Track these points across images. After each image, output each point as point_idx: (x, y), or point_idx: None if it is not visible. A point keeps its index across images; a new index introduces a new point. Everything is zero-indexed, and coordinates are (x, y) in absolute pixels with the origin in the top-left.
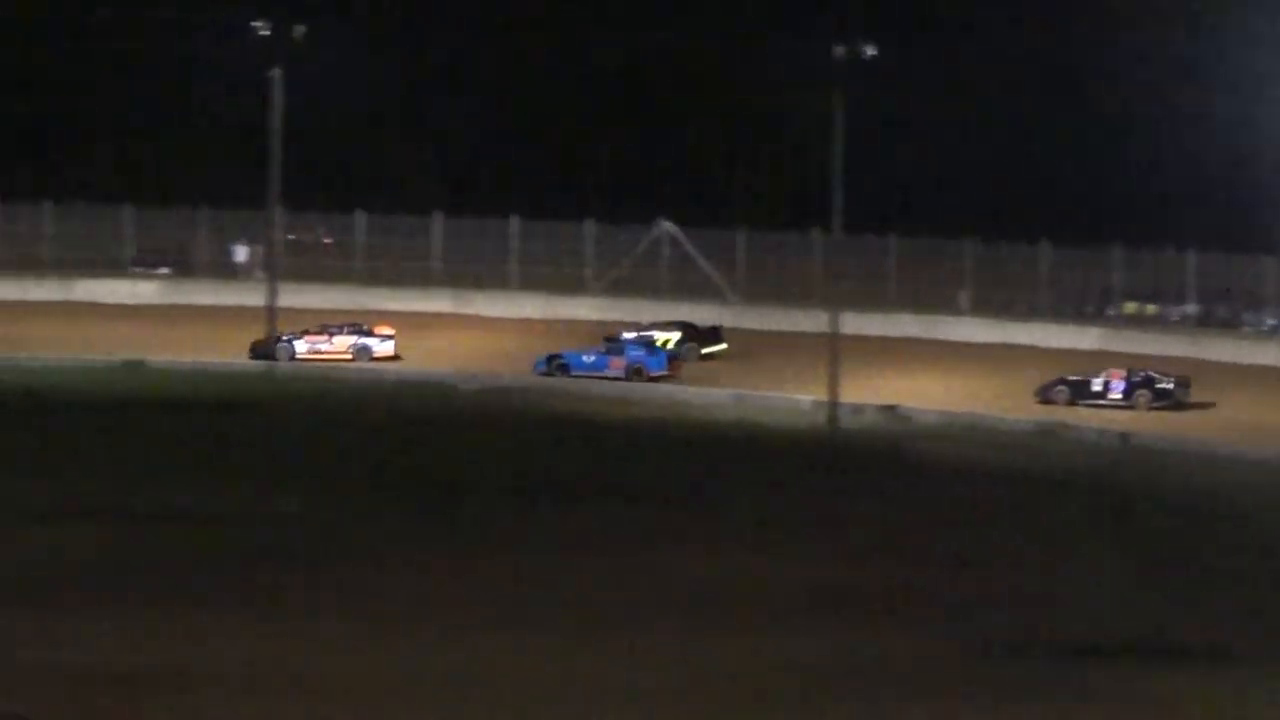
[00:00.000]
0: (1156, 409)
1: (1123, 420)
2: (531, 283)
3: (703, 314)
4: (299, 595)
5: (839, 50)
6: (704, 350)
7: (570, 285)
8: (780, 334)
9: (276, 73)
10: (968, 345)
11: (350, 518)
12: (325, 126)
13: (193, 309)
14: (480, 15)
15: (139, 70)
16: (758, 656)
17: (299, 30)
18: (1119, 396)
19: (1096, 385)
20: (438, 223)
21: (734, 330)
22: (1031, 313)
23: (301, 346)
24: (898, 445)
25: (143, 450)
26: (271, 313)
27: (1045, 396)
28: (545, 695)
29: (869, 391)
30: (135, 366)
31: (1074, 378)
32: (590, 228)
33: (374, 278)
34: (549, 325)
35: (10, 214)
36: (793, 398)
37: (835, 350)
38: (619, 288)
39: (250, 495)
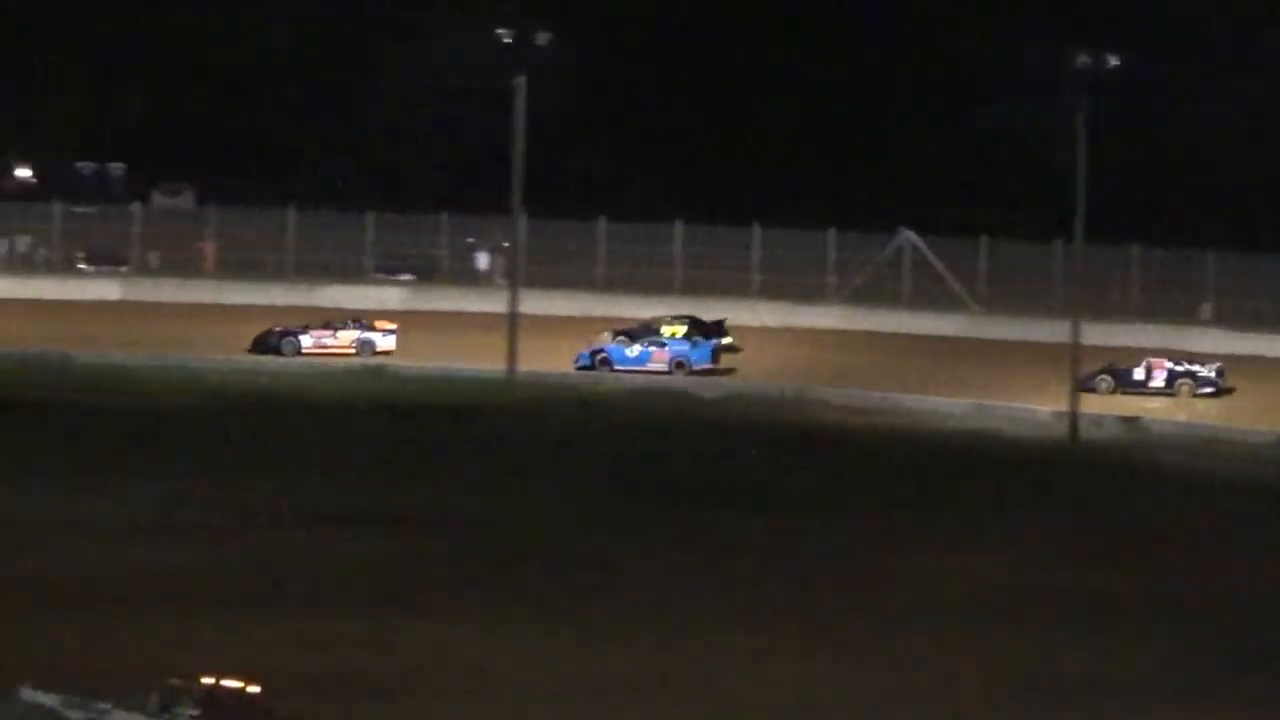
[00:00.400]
0: (1200, 396)
1: (1168, 408)
2: (771, 291)
3: (945, 325)
4: (559, 598)
5: (1082, 59)
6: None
7: (811, 294)
8: (1021, 344)
9: (520, 80)
10: (1210, 357)
11: (599, 523)
12: (568, 132)
13: (435, 315)
14: (722, 24)
15: (383, 78)
16: (1016, 662)
17: (543, 37)
18: (1161, 385)
19: (1139, 374)
20: (678, 230)
21: (976, 340)
22: (1277, 324)
23: (307, 341)
24: (1138, 457)
25: (388, 454)
26: (513, 319)
27: (1088, 385)
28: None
29: (1110, 403)
30: (378, 372)
31: (1116, 367)
32: (832, 236)
33: (614, 285)
34: (789, 334)
35: (255, 219)
36: (1033, 408)
37: (1076, 360)
38: (860, 297)
39: (498, 502)
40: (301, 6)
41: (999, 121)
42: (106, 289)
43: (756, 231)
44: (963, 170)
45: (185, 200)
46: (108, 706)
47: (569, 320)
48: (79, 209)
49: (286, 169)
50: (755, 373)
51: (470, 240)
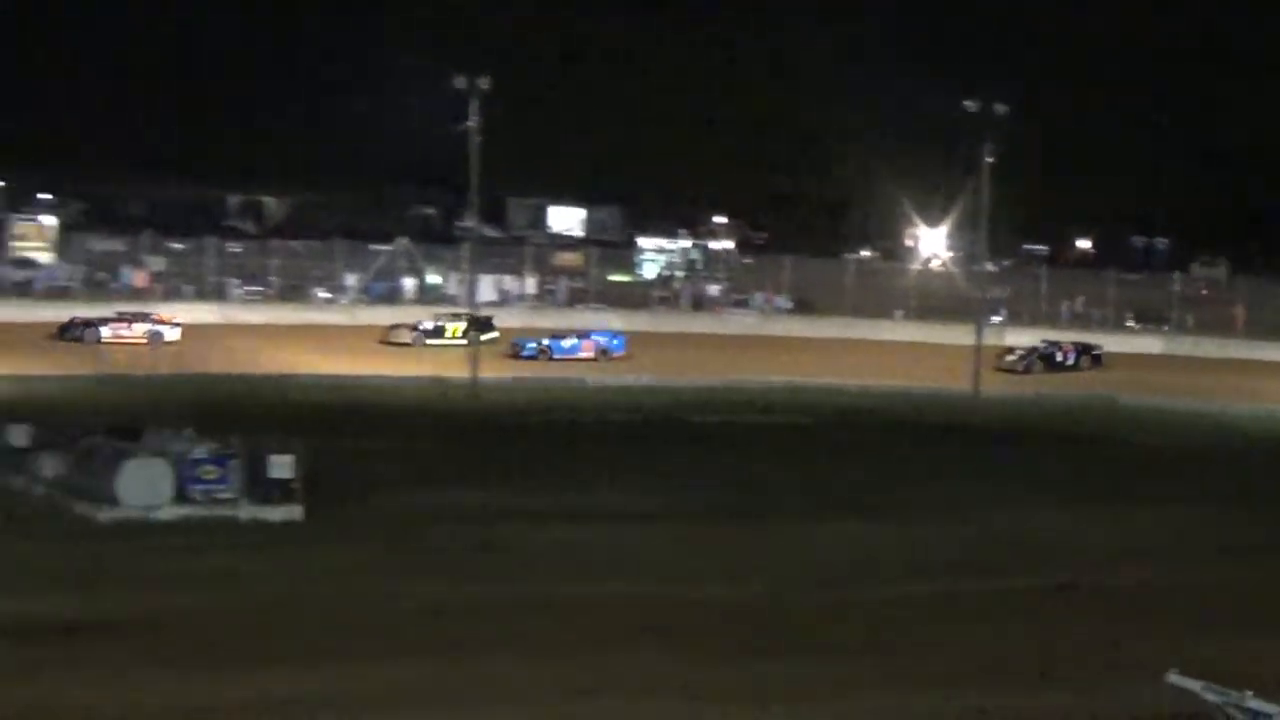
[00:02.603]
0: (1095, 370)
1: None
2: None
3: None
4: None
5: None
6: (482, 336)
7: None
8: None
9: None
10: None
11: None
12: None
13: None
14: None
15: None
16: None
17: None
18: (1072, 363)
19: (1060, 356)
20: None
21: None
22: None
23: (106, 332)
24: None
25: None
26: None
27: (1025, 366)
28: None
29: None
30: None
31: (1042, 351)
32: None
33: None
34: None
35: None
36: None
37: None
38: None
39: None
40: None
41: None
42: (1149, 344)
43: None
44: None
45: (1219, 271)
46: (1249, 693)
47: None
48: (1128, 276)
49: None
50: None
51: None
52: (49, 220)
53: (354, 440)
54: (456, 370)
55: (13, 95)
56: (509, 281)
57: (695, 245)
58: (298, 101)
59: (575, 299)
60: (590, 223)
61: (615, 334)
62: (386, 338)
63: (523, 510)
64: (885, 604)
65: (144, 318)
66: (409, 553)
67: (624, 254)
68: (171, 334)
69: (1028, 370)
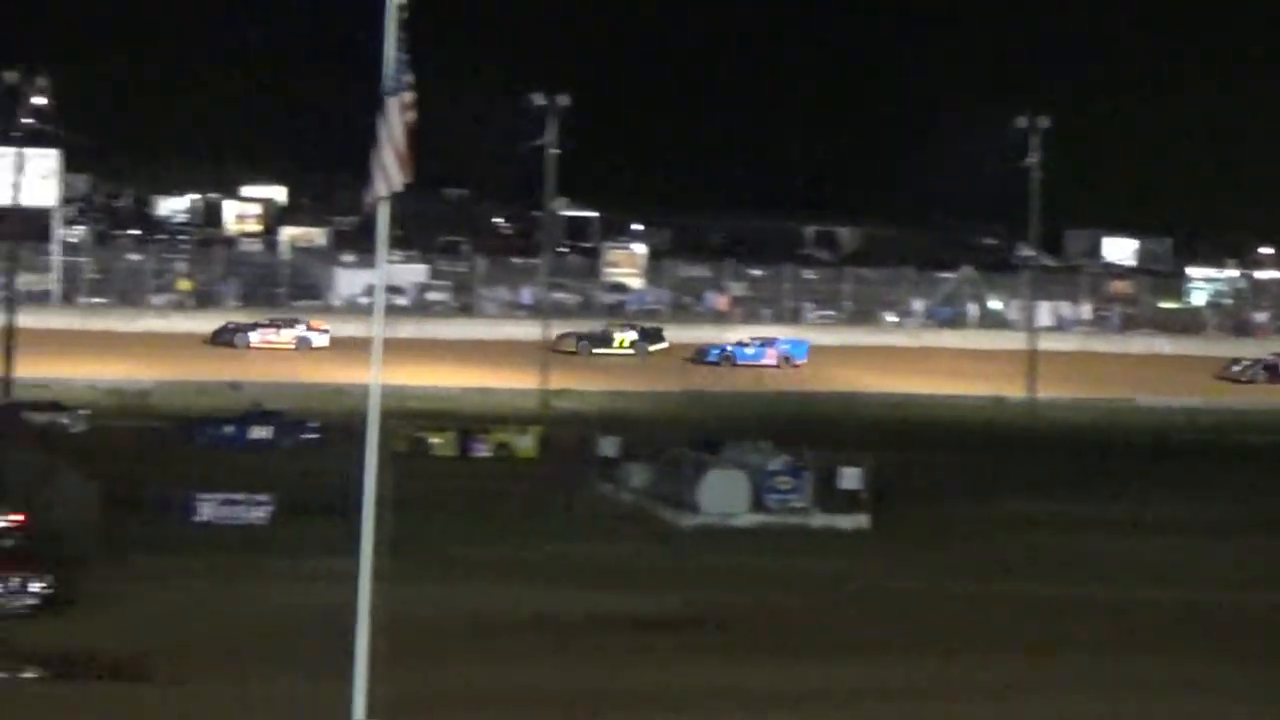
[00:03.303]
0: None
1: None
2: None
3: None
4: None
5: None
6: (650, 347)
7: None
8: None
9: None
10: None
11: None
12: None
13: None
14: None
15: None
16: None
17: None
18: None
19: None
20: None
21: None
22: None
23: (255, 337)
24: None
25: None
26: None
27: (1249, 377)
28: None
29: None
30: None
31: (1267, 363)
32: None
33: None
34: None
35: None
36: None
37: None
38: None
39: None
40: None
41: None
42: None
43: None
44: None
45: None
46: None
47: None
48: None
49: None
50: None
51: None
52: (639, 248)
53: (917, 454)
54: (1014, 390)
55: (648, 140)
56: (1064, 308)
57: (1242, 275)
58: (870, 141)
59: (1128, 325)
60: (1142, 253)
61: (798, 342)
62: (556, 346)
63: (1076, 519)
64: None
65: (293, 324)
66: (969, 557)
67: (1173, 283)
68: (319, 340)
69: (1251, 380)
